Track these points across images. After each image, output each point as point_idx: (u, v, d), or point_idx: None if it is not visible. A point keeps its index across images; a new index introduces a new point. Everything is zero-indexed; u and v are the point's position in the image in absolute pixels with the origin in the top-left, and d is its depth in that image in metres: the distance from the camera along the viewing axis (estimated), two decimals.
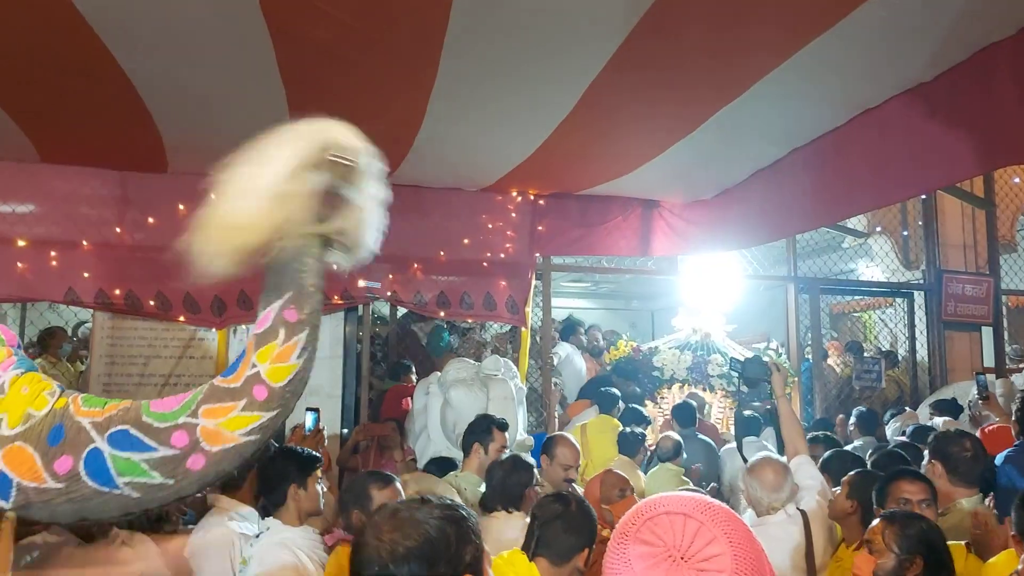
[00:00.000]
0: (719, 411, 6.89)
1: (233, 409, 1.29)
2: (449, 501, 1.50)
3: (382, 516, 1.46)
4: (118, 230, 5.38)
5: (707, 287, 7.22)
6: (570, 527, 2.57)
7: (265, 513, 2.97)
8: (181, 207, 5.42)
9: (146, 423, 1.28)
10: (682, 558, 1.18)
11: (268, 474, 2.98)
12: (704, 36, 3.42)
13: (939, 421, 5.24)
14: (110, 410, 1.31)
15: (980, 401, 4.75)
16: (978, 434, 4.49)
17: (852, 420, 6.05)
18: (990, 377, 5.78)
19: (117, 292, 5.31)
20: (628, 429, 5.42)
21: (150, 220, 5.42)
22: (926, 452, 3.51)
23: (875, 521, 2.56)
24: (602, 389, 6.15)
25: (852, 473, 3.36)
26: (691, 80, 3.90)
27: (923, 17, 3.26)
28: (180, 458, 1.27)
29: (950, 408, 5.29)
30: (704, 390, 6.85)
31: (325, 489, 3.10)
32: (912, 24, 3.31)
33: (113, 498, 1.27)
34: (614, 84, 3.84)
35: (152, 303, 5.37)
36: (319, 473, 3.04)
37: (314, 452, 3.15)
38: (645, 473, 5.29)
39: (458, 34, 3.32)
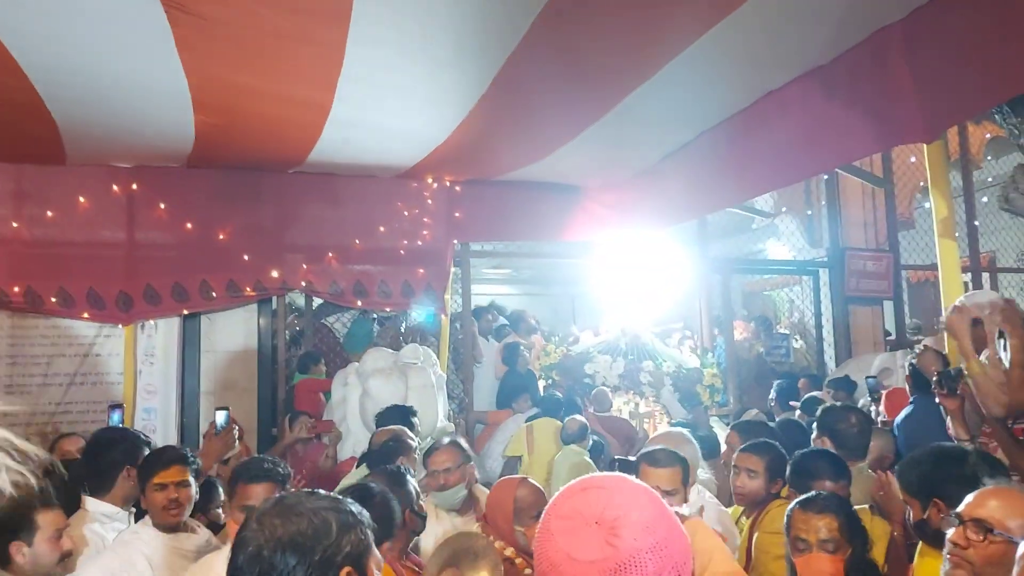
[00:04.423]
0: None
1: None
2: (343, 497, 1.49)
3: (269, 503, 1.45)
4: (15, 225, 5.15)
5: (624, 271, 7.30)
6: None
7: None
8: (82, 200, 5.23)
9: None
10: (596, 523, 1.27)
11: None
12: (611, 21, 3.46)
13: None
14: None
15: (872, 404, 4.88)
16: (882, 400, 4.73)
17: (772, 394, 6.28)
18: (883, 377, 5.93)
19: (16, 289, 5.08)
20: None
21: (49, 214, 5.20)
22: (814, 426, 3.62)
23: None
24: (545, 395, 6.11)
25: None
26: (601, 64, 3.95)
27: (819, 1, 3.38)
28: None
29: (843, 385, 5.52)
30: (633, 395, 6.83)
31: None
32: (809, 7, 3.43)
33: None
34: (524, 68, 3.85)
35: (54, 300, 5.16)
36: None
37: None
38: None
39: (364, 16, 3.28)
